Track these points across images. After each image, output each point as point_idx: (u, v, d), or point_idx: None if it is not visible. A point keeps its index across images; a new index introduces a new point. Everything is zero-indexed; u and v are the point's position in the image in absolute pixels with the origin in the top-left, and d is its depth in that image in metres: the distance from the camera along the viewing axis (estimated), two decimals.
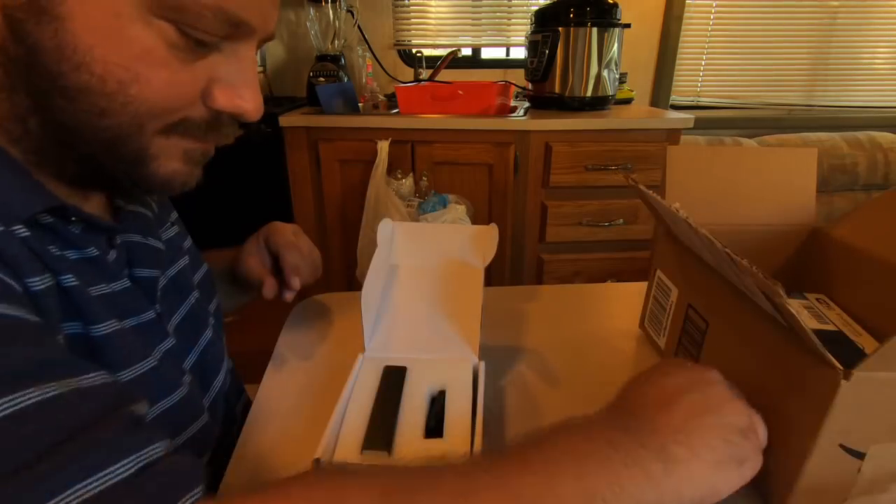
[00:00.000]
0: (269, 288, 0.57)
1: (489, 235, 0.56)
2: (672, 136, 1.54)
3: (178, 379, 0.41)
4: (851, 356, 0.31)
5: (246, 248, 0.60)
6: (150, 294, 0.41)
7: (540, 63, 1.58)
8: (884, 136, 1.98)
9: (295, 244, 0.59)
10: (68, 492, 0.22)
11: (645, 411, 0.31)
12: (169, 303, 0.44)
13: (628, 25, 1.56)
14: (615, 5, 1.54)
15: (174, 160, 0.36)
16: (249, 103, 0.36)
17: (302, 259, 0.59)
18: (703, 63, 2.08)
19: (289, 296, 0.58)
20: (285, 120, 1.50)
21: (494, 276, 1.62)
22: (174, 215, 0.54)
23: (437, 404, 0.42)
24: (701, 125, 1.84)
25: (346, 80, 1.76)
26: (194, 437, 0.41)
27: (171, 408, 0.39)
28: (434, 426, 0.39)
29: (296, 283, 0.57)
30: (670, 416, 0.31)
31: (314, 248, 0.63)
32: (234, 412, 0.55)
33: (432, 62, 1.82)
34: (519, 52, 2.02)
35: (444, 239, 0.58)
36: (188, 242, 0.54)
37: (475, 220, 1.48)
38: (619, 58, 1.59)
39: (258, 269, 0.58)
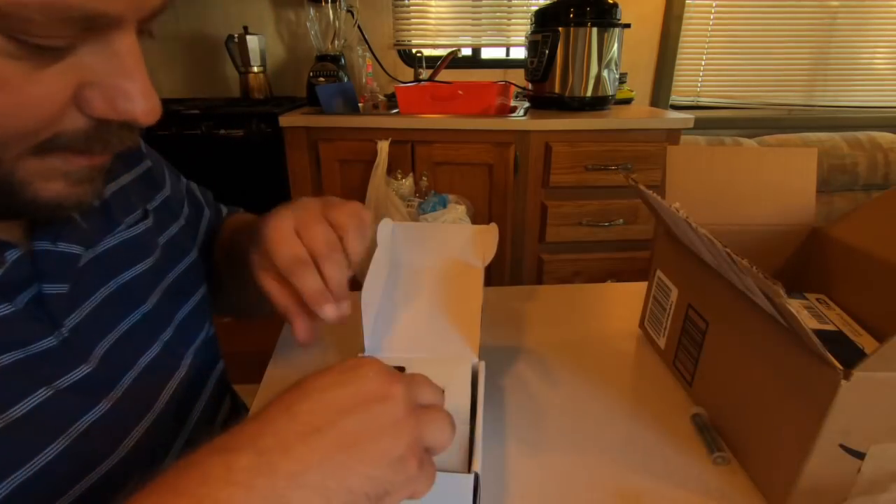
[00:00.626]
0: (302, 333, 0.43)
1: (489, 235, 0.56)
2: (672, 136, 1.54)
3: (77, 415, 0.33)
4: (851, 356, 0.31)
5: (253, 259, 0.45)
6: (55, 315, 0.34)
7: (540, 63, 1.58)
8: (884, 136, 1.98)
9: (301, 259, 0.41)
10: None
11: (281, 440, 0.25)
12: (102, 318, 0.37)
13: (628, 25, 1.57)
14: (615, 5, 1.54)
15: (54, 182, 0.30)
16: (136, 103, 0.29)
17: (322, 269, 0.41)
18: (703, 63, 2.08)
19: (333, 319, 0.42)
20: (285, 120, 1.50)
21: (494, 276, 1.62)
22: (158, 200, 0.47)
23: None
24: (701, 125, 1.84)
25: (346, 80, 1.76)
26: (120, 463, 0.36)
27: (73, 444, 0.32)
28: None
29: (328, 311, 0.41)
30: (306, 452, 0.25)
31: (344, 214, 0.43)
32: (211, 422, 0.49)
33: (432, 62, 1.82)
34: (519, 52, 2.02)
35: (444, 239, 0.58)
36: (171, 232, 0.47)
37: (475, 220, 1.48)
38: (619, 58, 1.59)
39: (279, 297, 0.43)
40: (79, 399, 0.34)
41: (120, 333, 0.38)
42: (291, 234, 0.42)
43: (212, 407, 0.49)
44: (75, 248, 0.36)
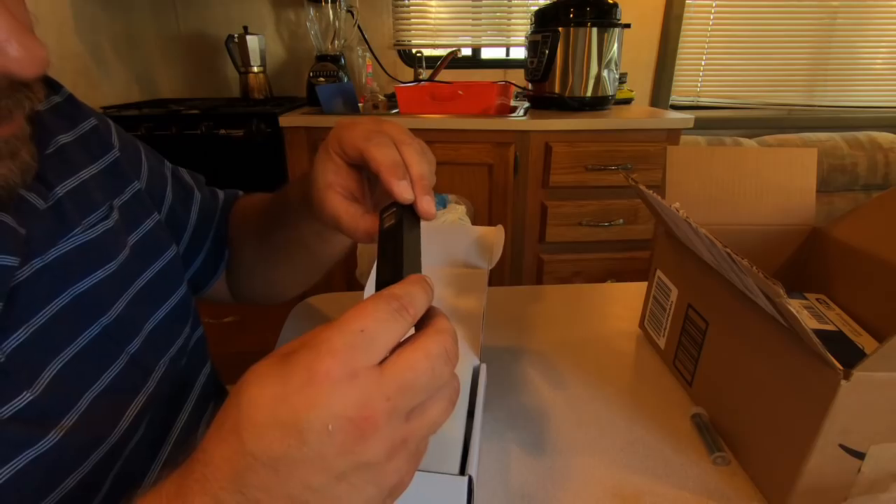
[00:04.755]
0: (363, 230, 0.35)
1: (496, 237, 0.56)
2: (672, 136, 1.54)
3: (16, 450, 0.28)
4: (851, 356, 0.31)
5: (316, 175, 0.37)
6: None
7: (540, 63, 1.58)
8: (884, 136, 1.98)
9: (379, 130, 0.36)
10: None
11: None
12: (51, 337, 0.32)
13: (628, 25, 1.57)
14: (615, 5, 1.54)
15: None
16: (14, 48, 0.23)
17: (404, 155, 0.34)
18: (703, 63, 2.08)
19: (426, 209, 0.33)
20: (285, 120, 1.50)
21: (494, 276, 1.61)
22: (128, 194, 0.42)
23: None
24: (701, 125, 1.84)
25: (346, 80, 1.76)
26: (78, 487, 0.31)
27: (7, 482, 0.28)
28: None
29: (403, 188, 0.33)
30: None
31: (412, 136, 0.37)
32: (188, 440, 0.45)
33: (432, 62, 1.82)
34: (519, 52, 2.02)
35: (451, 240, 0.58)
36: (144, 229, 0.42)
37: (475, 220, 1.48)
38: (619, 58, 1.59)
39: (342, 208, 0.36)
40: (24, 431, 0.29)
41: (76, 350, 0.33)
42: (370, 123, 0.36)
43: (195, 420, 0.45)
44: (9, 260, 0.30)
